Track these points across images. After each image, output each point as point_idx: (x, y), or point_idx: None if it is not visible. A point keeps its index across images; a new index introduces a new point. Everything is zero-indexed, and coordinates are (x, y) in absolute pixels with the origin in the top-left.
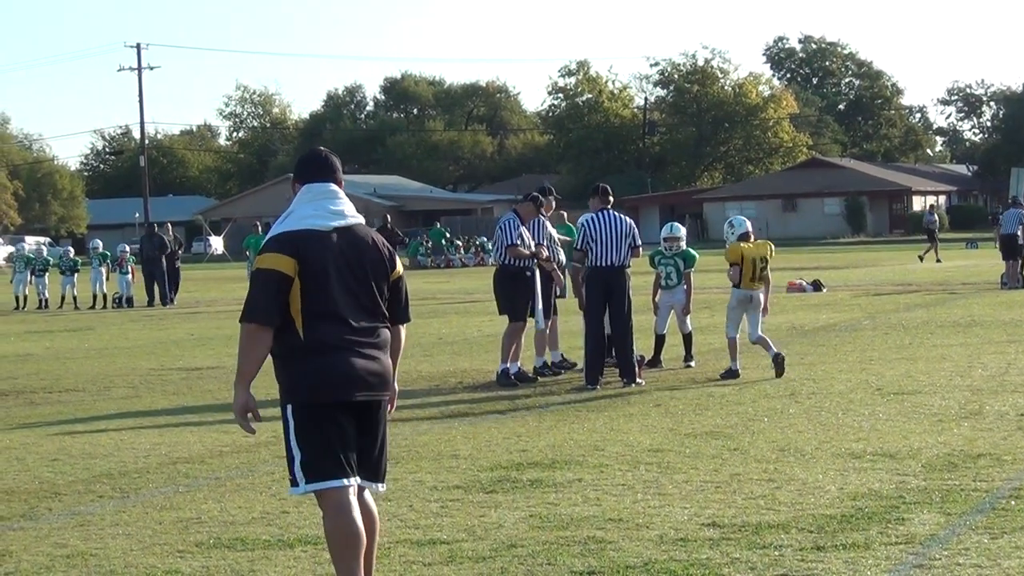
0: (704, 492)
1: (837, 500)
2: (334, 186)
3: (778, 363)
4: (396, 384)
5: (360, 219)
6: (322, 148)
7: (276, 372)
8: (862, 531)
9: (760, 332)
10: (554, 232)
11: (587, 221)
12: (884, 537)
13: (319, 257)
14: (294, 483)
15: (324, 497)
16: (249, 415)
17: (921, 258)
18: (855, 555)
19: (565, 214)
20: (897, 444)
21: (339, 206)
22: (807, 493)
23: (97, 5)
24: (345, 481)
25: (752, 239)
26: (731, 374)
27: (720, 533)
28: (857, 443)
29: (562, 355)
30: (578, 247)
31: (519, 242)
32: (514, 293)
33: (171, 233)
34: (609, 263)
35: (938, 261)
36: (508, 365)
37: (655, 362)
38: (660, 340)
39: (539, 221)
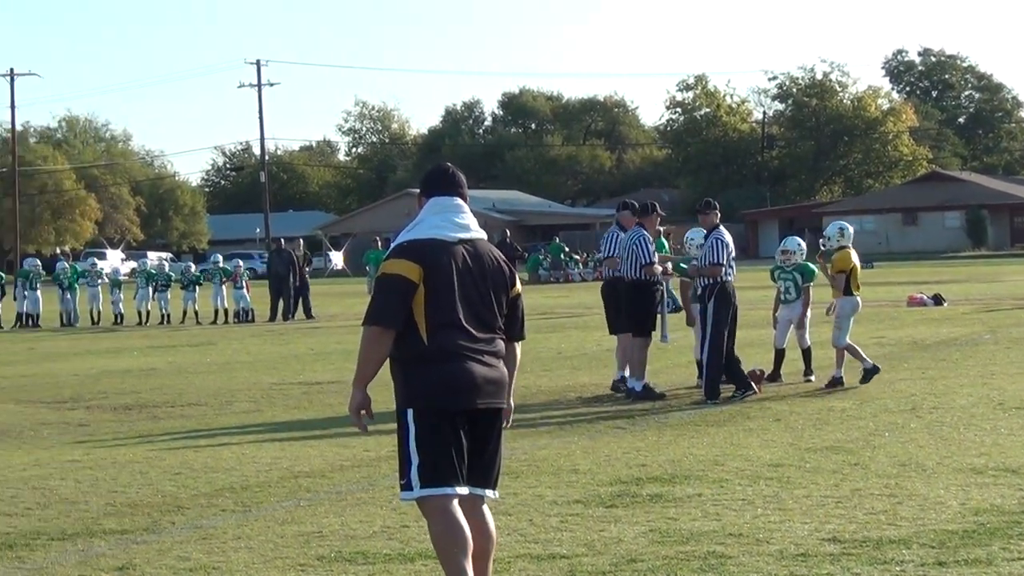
0: (824, 507)
1: (959, 515)
2: (460, 200)
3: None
4: (512, 401)
5: (483, 234)
6: (448, 163)
7: (395, 377)
8: (984, 547)
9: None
10: None
11: (724, 237)
12: (1007, 553)
13: (444, 266)
14: (407, 487)
15: (430, 503)
16: (363, 412)
17: None
18: (977, 571)
19: (663, 230)
20: (1020, 459)
21: (464, 220)
22: (928, 508)
23: (217, 22)
24: (457, 488)
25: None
26: (872, 371)
27: (841, 548)
28: (979, 458)
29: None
30: (718, 261)
31: (655, 260)
32: (649, 309)
33: (301, 249)
34: (734, 277)
35: None
36: (645, 380)
37: (775, 376)
38: (780, 354)
39: (619, 236)
